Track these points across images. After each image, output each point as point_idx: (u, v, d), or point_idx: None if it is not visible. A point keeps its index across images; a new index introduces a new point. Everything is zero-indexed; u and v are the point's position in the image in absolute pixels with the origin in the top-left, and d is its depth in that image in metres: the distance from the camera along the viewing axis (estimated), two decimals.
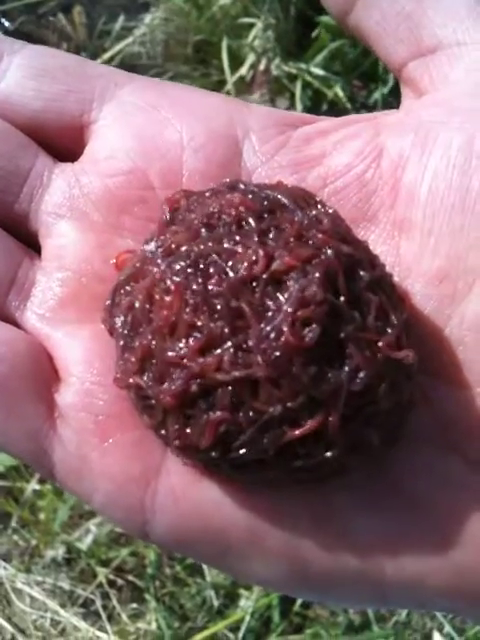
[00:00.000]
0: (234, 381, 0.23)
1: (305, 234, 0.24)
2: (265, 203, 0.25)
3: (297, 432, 0.23)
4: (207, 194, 0.26)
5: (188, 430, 0.24)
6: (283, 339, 0.22)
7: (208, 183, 0.27)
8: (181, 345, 0.23)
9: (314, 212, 0.25)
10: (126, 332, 0.25)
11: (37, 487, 0.99)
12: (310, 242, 0.24)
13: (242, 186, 0.26)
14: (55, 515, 0.97)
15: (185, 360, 0.23)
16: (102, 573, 0.95)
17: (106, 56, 1.33)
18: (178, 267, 0.24)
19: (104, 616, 0.94)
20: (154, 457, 0.26)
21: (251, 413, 0.23)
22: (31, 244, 0.29)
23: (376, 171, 0.27)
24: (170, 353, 0.23)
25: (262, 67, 1.31)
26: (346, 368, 0.23)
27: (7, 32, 1.33)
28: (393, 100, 1.31)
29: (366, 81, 1.35)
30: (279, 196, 0.25)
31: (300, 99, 1.28)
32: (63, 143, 0.29)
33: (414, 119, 0.27)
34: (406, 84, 0.29)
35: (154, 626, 0.94)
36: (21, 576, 0.95)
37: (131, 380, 0.24)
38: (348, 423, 0.23)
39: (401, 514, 0.25)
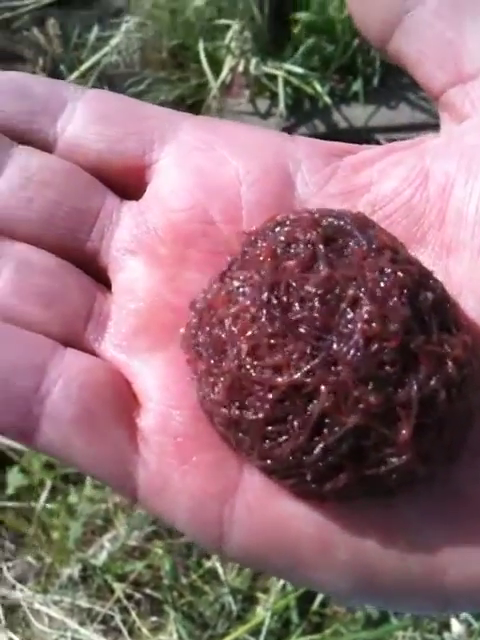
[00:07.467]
0: (318, 392, 0.24)
1: (371, 256, 0.25)
2: (331, 230, 0.26)
3: (371, 440, 0.24)
4: (275, 228, 0.27)
5: (275, 446, 0.25)
6: (361, 352, 0.24)
7: (266, 214, 0.28)
8: (266, 367, 0.25)
9: (375, 235, 0.26)
10: (210, 359, 0.26)
11: (48, 505, 0.99)
12: (377, 263, 0.25)
13: (308, 215, 0.27)
14: (68, 533, 0.97)
15: (271, 380, 0.24)
16: (119, 588, 0.95)
17: (83, 67, 1.33)
18: (257, 293, 0.25)
19: (125, 631, 0.94)
20: (231, 476, 0.26)
21: (335, 426, 0.24)
22: (99, 279, 0.30)
23: (423, 195, 0.28)
24: (254, 375, 0.25)
25: (241, 68, 1.31)
26: (419, 377, 0.24)
27: None
28: (372, 91, 1.31)
29: (343, 74, 1.35)
30: (343, 222, 0.26)
31: (282, 98, 1.28)
32: (127, 182, 0.30)
33: (457, 144, 0.28)
34: (445, 109, 0.29)
35: (175, 637, 0.94)
36: (38, 597, 0.95)
37: (221, 410, 0.26)
38: (420, 430, 0.24)
39: (466, 521, 0.26)
